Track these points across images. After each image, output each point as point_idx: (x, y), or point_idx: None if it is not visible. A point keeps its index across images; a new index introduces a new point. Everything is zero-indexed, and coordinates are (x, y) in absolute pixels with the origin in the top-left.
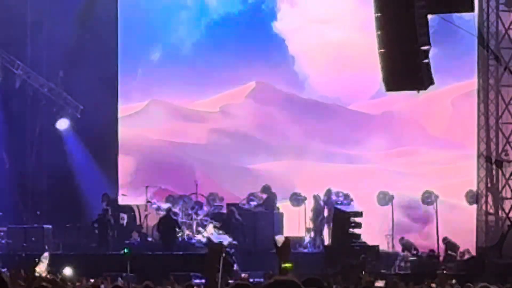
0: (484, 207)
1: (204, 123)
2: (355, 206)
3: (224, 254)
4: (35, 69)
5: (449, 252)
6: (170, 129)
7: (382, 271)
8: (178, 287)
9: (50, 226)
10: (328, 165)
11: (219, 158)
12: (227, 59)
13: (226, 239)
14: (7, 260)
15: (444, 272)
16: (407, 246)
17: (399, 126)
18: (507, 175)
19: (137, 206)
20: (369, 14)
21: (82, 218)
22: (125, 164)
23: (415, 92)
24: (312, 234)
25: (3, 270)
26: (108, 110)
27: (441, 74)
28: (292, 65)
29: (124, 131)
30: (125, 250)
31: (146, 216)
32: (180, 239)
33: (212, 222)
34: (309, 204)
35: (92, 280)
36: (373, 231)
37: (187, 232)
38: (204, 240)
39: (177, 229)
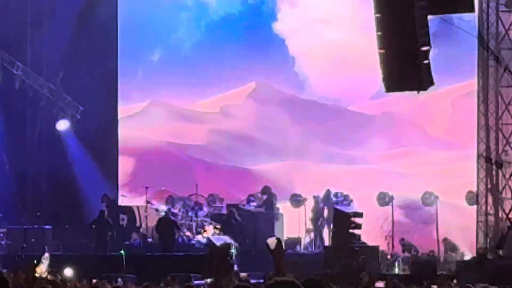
0: (484, 208)
1: (204, 124)
2: (355, 207)
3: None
4: (35, 69)
5: (449, 252)
6: (170, 130)
7: (382, 272)
8: (178, 287)
9: (50, 227)
10: (328, 166)
11: (219, 159)
12: (227, 60)
13: (226, 240)
14: (7, 261)
15: (444, 273)
16: (407, 247)
17: (399, 126)
18: (507, 176)
19: (137, 207)
20: (369, 15)
21: (82, 219)
22: (125, 165)
23: (415, 92)
24: (312, 234)
25: (3, 271)
26: (108, 111)
27: (441, 74)
28: (292, 66)
29: (124, 132)
30: (121, 252)
31: (146, 217)
32: (180, 239)
33: (212, 223)
34: (309, 205)
35: (94, 281)
36: (373, 232)
37: (187, 233)
38: (204, 240)
39: (176, 230)
